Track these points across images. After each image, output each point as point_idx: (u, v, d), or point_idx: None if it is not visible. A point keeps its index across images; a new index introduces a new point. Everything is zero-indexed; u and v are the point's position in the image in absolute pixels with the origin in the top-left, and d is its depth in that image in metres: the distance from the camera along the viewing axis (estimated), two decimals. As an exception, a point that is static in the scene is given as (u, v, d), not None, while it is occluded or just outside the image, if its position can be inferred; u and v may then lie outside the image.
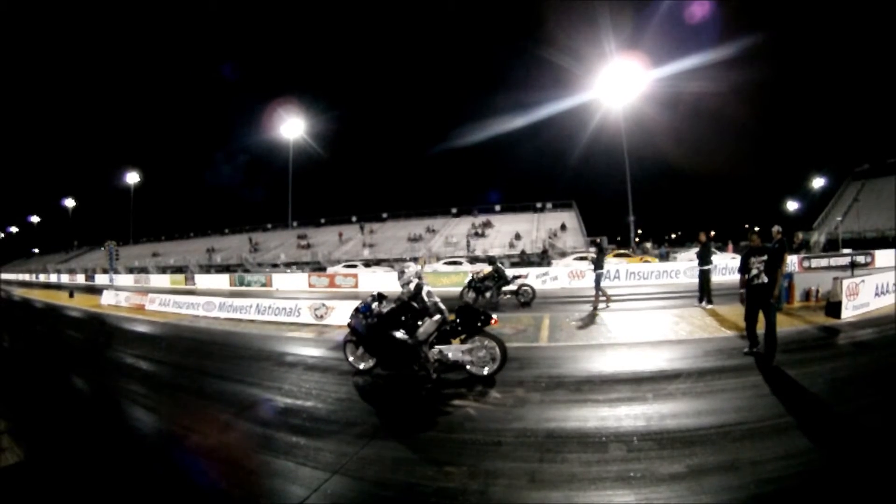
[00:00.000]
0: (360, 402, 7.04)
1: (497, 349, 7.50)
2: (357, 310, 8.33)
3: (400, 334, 7.56)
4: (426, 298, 7.81)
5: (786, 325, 9.72)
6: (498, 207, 59.37)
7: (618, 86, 42.77)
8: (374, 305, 8.08)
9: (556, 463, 4.42)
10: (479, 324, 7.61)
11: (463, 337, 7.69)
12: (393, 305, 7.94)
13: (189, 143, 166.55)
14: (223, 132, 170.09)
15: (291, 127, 65.04)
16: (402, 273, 8.09)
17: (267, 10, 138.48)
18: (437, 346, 7.57)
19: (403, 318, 7.72)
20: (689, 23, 60.11)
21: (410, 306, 7.77)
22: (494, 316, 7.81)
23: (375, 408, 6.71)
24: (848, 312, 10.45)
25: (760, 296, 7.89)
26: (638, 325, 10.88)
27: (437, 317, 7.61)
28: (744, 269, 8.17)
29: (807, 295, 12.58)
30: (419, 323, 7.61)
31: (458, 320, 7.66)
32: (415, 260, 42.59)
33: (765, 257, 7.90)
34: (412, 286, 7.86)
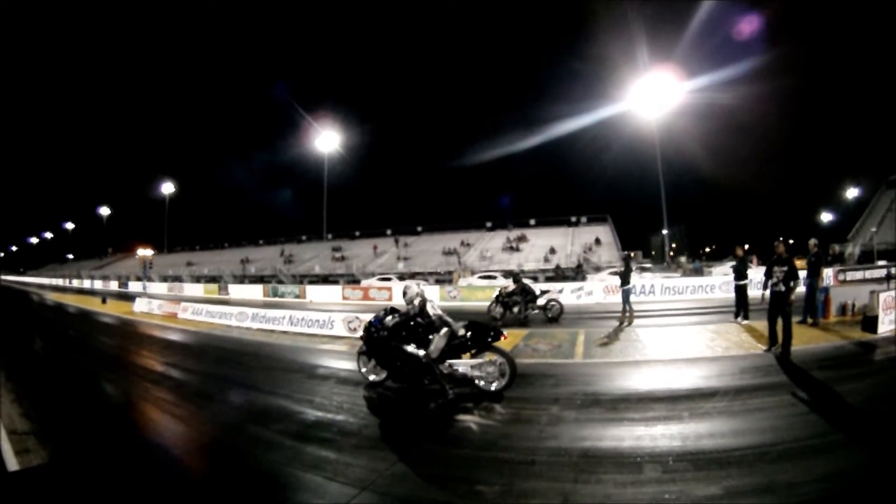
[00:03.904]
0: (392, 417, 7.08)
1: (506, 365, 7.47)
2: (370, 322, 8.41)
3: (411, 348, 7.65)
4: (431, 312, 7.90)
5: (822, 341, 9.70)
6: (532, 221, 58.85)
7: (651, 98, 42.48)
8: (387, 319, 8.15)
9: (590, 484, 4.35)
10: (489, 339, 7.62)
11: (473, 352, 7.68)
12: (403, 320, 8.00)
13: (225, 155, 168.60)
14: (259, 144, 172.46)
15: (326, 140, 65.60)
16: (405, 293, 8.21)
17: (302, 25, 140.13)
18: (447, 361, 7.57)
19: (414, 332, 7.77)
20: (722, 34, 59.46)
21: (416, 320, 7.84)
22: (504, 332, 7.84)
23: (407, 424, 6.74)
24: (885, 327, 10.16)
25: (778, 302, 8.90)
26: (673, 342, 10.70)
27: (445, 329, 7.63)
28: (768, 277, 9.24)
29: (843, 309, 12.31)
30: (430, 337, 7.64)
31: (467, 335, 7.65)
32: (449, 274, 42.64)
33: (785, 268, 8.93)
34: (417, 302, 7.98)
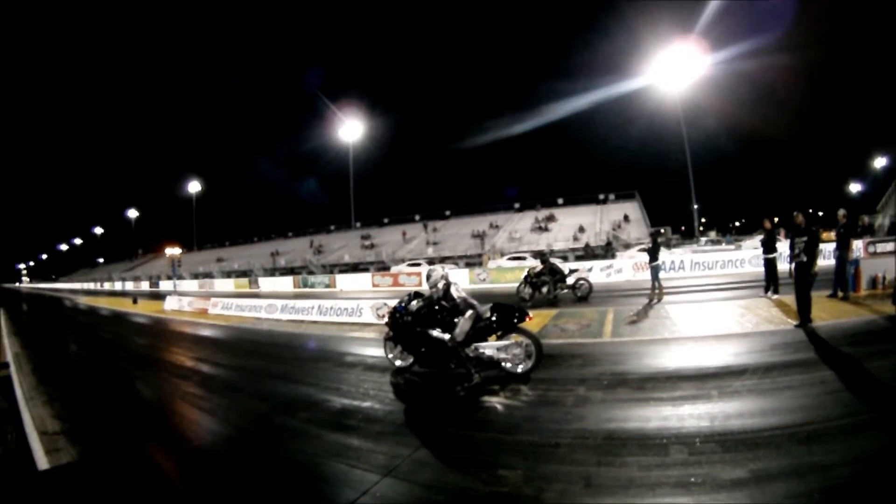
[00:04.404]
0: (417, 402, 7.08)
1: (533, 346, 7.41)
2: (395, 308, 8.42)
3: (436, 333, 7.57)
4: (455, 295, 7.82)
5: (853, 316, 9.45)
6: (560, 200, 58.34)
7: (675, 70, 41.87)
8: (412, 304, 8.15)
9: (614, 467, 4.27)
10: (515, 320, 7.55)
11: (499, 334, 7.62)
12: (426, 305, 7.96)
13: (250, 150, 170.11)
14: (284, 137, 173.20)
15: (350, 129, 65.75)
16: (428, 276, 8.11)
17: (326, 17, 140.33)
18: (472, 344, 7.52)
19: (439, 317, 7.69)
20: (747, 2, 58.21)
21: (441, 304, 7.75)
22: (531, 313, 7.76)
23: (432, 409, 6.74)
24: (917, 301, 9.77)
25: (800, 272, 9.05)
26: (703, 318, 10.54)
27: (470, 312, 7.54)
28: (792, 249, 9.42)
29: (873, 282, 11.91)
30: (455, 321, 7.54)
31: (492, 317, 7.57)
32: (479, 257, 42.65)
33: (805, 238, 9.10)
34: (441, 286, 7.87)
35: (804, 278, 8.97)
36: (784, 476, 3.83)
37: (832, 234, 12.26)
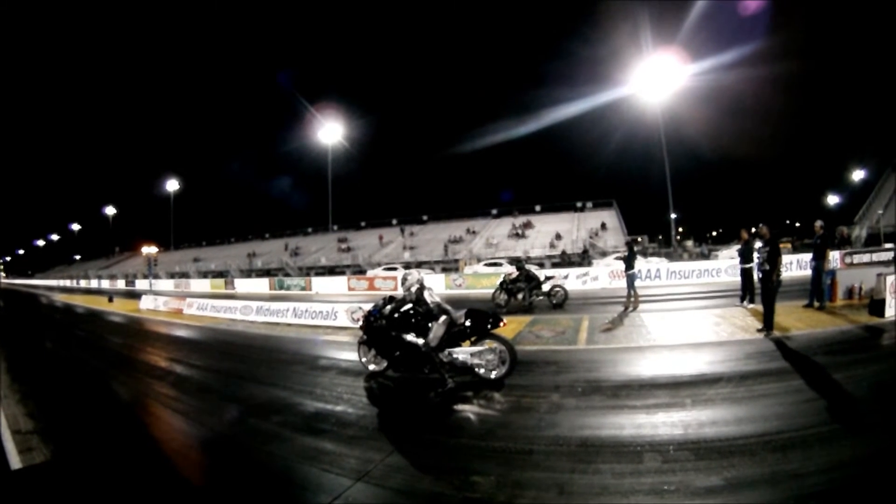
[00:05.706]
0: (391, 407, 7.02)
1: (507, 353, 7.39)
2: (369, 312, 8.39)
3: (410, 337, 7.58)
4: (429, 300, 7.82)
5: (829, 325, 9.56)
6: (538, 207, 58.57)
7: (655, 81, 42.18)
8: (386, 308, 8.10)
9: (587, 474, 4.25)
10: (489, 326, 7.56)
11: (473, 339, 7.61)
12: (399, 308, 7.94)
13: (229, 150, 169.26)
14: (263, 139, 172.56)
15: (330, 132, 65.63)
16: (404, 280, 8.16)
17: (306, 18, 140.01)
18: (446, 349, 7.50)
19: (413, 321, 7.70)
20: (726, 15, 58.94)
21: (415, 308, 7.77)
22: (505, 319, 7.80)
23: (406, 413, 6.68)
24: (892, 311, 9.89)
25: (763, 280, 9.56)
26: (678, 327, 10.58)
27: (443, 317, 7.55)
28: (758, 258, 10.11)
29: (850, 292, 12.07)
30: (430, 325, 7.55)
31: (466, 323, 7.56)
32: (455, 263, 42.70)
33: (767, 248, 9.58)
34: (414, 290, 7.90)
35: (766, 284, 9.41)
36: (758, 484, 3.83)
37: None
